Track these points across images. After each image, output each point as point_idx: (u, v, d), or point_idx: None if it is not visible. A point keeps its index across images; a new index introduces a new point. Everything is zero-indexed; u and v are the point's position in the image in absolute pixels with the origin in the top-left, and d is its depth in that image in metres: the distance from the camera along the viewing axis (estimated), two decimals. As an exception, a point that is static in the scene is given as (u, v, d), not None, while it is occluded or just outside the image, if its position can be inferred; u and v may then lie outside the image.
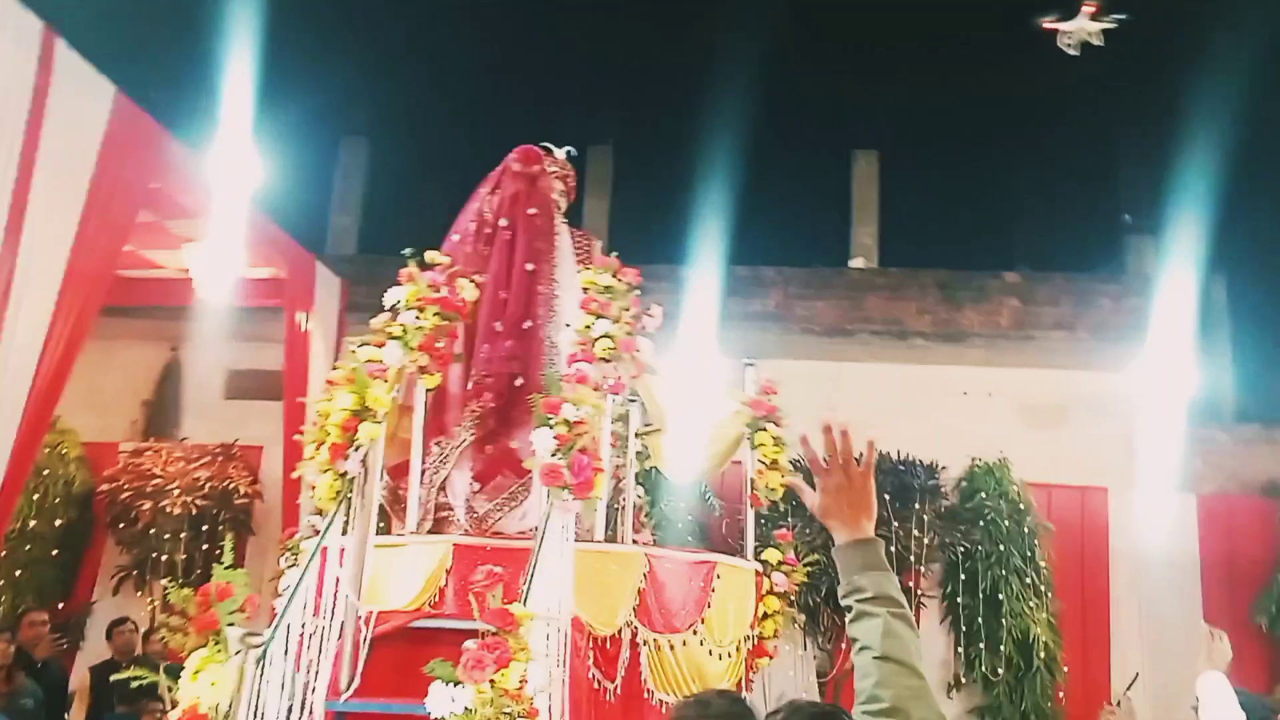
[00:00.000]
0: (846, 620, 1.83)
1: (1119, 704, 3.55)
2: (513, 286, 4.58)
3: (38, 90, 5.32)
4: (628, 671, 4.12)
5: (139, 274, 8.55)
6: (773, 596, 5.01)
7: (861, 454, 2.02)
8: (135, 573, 8.71)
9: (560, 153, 5.44)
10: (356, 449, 3.61)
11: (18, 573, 8.44)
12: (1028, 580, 8.47)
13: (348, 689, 3.66)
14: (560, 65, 10.99)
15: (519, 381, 4.51)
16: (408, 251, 4.12)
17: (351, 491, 3.65)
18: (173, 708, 3.03)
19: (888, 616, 1.78)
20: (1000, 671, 8.31)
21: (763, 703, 8.32)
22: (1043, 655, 8.31)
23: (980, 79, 10.12)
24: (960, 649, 8.54)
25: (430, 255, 4.14)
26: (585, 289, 4.35)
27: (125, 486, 8.66)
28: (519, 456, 4.41)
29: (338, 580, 3.55)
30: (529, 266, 4.65)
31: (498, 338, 4.51)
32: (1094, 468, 9.27)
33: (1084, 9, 8.96)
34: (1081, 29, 8.97)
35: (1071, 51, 9.06)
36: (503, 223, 4.75)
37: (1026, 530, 8.55)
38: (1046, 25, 8.94)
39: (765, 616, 4.97)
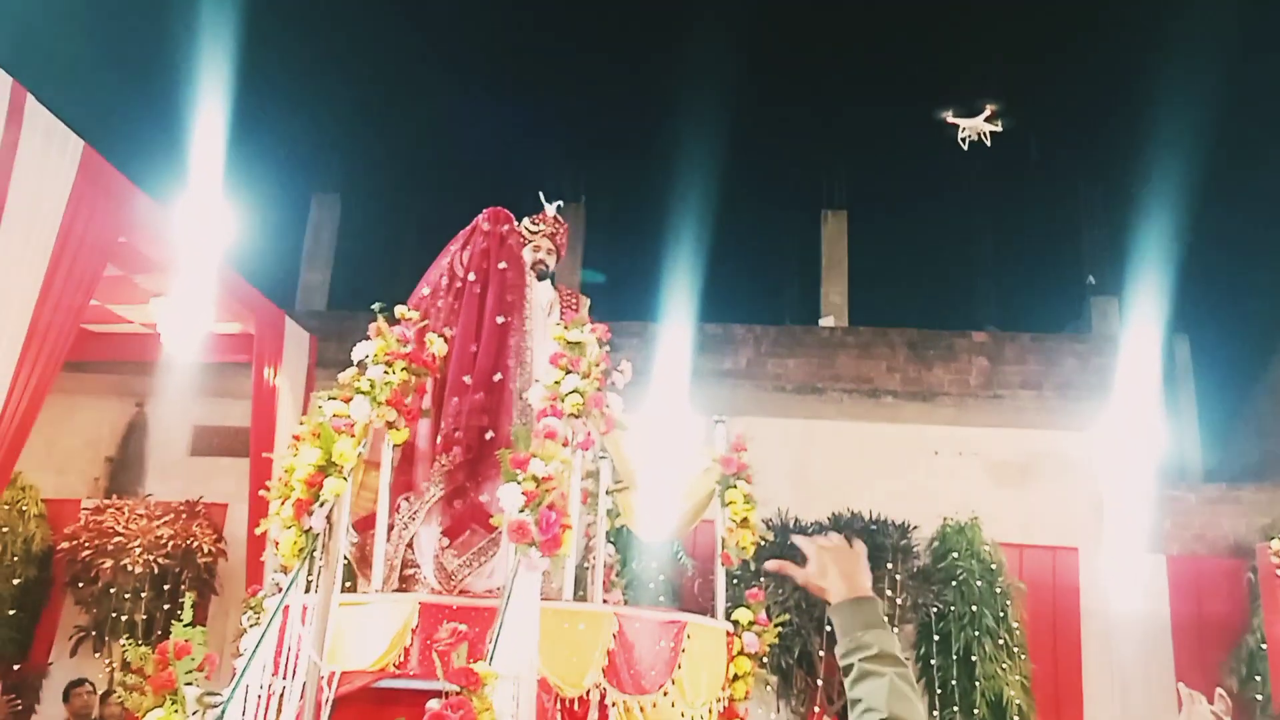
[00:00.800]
0: (847, 681, 1.74)
1: None
2: (483, 339, 4.56)
3: (5, 144, 5.30)
4: (595, 733, 4.04)
5: (105, 328, 8.47)
6: (744, 657, 4.94)
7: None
8: (94, 633, 8.49)
9: (550, 208, 5.48)
10: (321, 504, 3.56)
11: (-28, 633, 8.21)
12: (1000, 641, 8.42)
13: (308, 752, 3.56)
14: (531, 123, 11.12)
15: (489, 435, 4.47)
16: (377, 306, 4.10)
17: (316, 548, 3.59)
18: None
19: (894, 677, 1.70)
20: (974, 734, 8.22)
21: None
22: (1016, 718, 8.23)
23: (948, 141, 10.34)
24: (935, 712, 8.44)
25: (399, 310, 4.13)
26: (557, 342, 4.35)
27: (86, 544, 8.48)
28: (488, 511, 4.36)
29: (299, 639, 3.47)
30: (500, 319, 4.64)
31: (467, 391, 4.48)
32: (1064, 527, 9.30)
33: (983, 113, 9.76)
34: (975, 127, 9.78)
35: (964, 145, 9.86)
36: (471, 277, 4.75)
37: (999, 590, 8.52)
38: (948, 119, 9.71)
39: (736, 678, 4.89)
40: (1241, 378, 11.26)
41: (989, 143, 9.82)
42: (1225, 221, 9.64)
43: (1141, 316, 9.26)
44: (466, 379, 4.47)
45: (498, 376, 4.54)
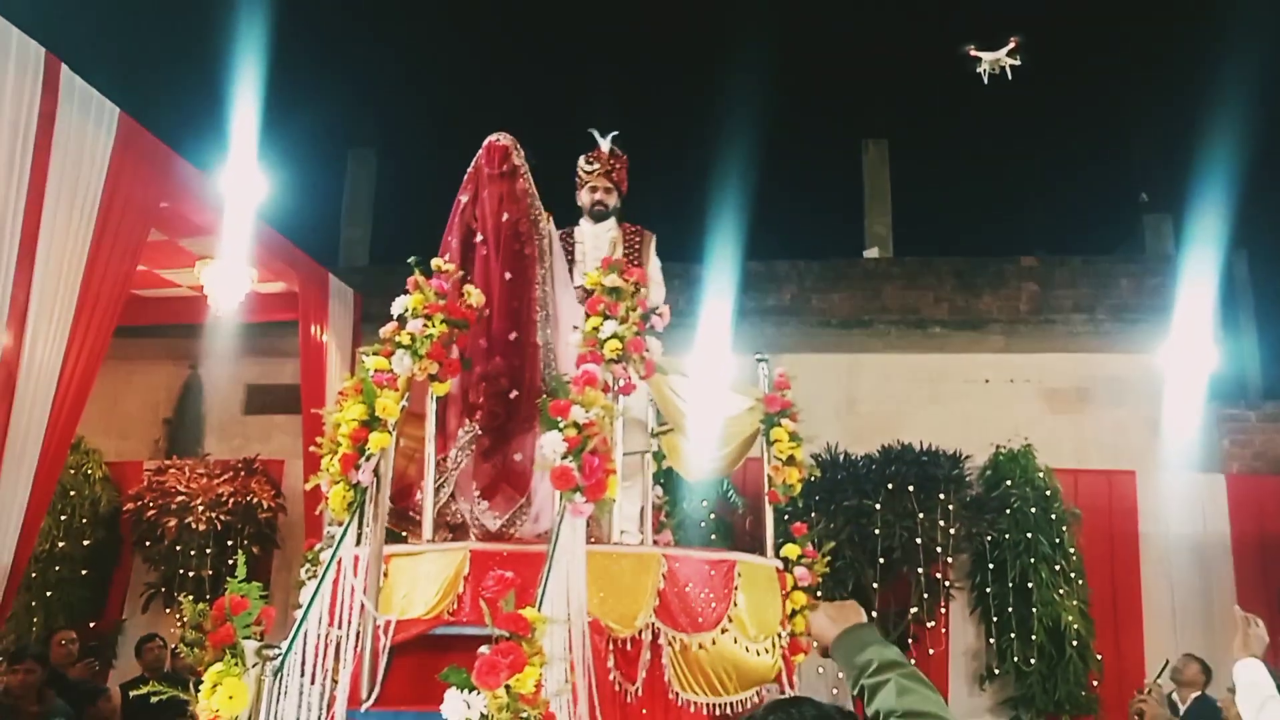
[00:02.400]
0: (865, 707, 1.81)
1: (1150, 691, 3.49)
2: (495, 300, 4.42)
3: (43, 116, 5.36)
4: (649, 673, 4.09)
5: (154, 293, 8.60)
6: (799, 591, 4.97)
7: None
8: (163, 589, 8.77)
9: (605, 142, 5.35)
10: (367, 458, 3.61)
11: (48, 593, 8.51)
12: (1057, 567, 8.37)
13: (368, 698, 3.65)
14: (565, 64, 10.99)
15: (513, 394, 4.41)
16: (413, 260, 4.10)
17: (364, 500, 3.64)
18: (192, 721, 3.04)
19: (897, 677, 1.78)
20: (1033, 661, 8.22)
21: (793, 699, 8.31)
22: (1075, 643, 8.20)
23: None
24: (991, 640, 8.45)
25: (435, 262, 4.13)
26: (590, 290, 4.32)
27: (150, 505, 8.72)
28: (519, 469, 4.37)
29: (353, 590, 3.54)
30: (508, 275, 4.46)
31: (484, 354, 4.44)
32: (1120, 451, 9.18)
33: (1007, 45, 9.59)
34: (997, 60, 9.60)
35: (984, 77, 9.72)
36: (479, 238, 4.56)
37: (1054, 517, 8.45)
38: (971, 52, 9.57)
39: (794, 613, 4.92)
40: (1303, 292, 10.94)
41: (1010, 76, 9.65)
42: (1283, 131, 9.28)
43: (1197, 233, 9.00)
44: (482, 342, 4.41)
45: (514, 335, 4.43)
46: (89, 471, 8.96)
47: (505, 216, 4.59)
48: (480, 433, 4.41)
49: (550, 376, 4.37)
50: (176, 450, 9.70)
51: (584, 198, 5.43)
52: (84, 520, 8.83)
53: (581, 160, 5.44)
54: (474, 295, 4.18)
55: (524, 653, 2.82)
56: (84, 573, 8.81)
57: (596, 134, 5.39)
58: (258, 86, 7.27)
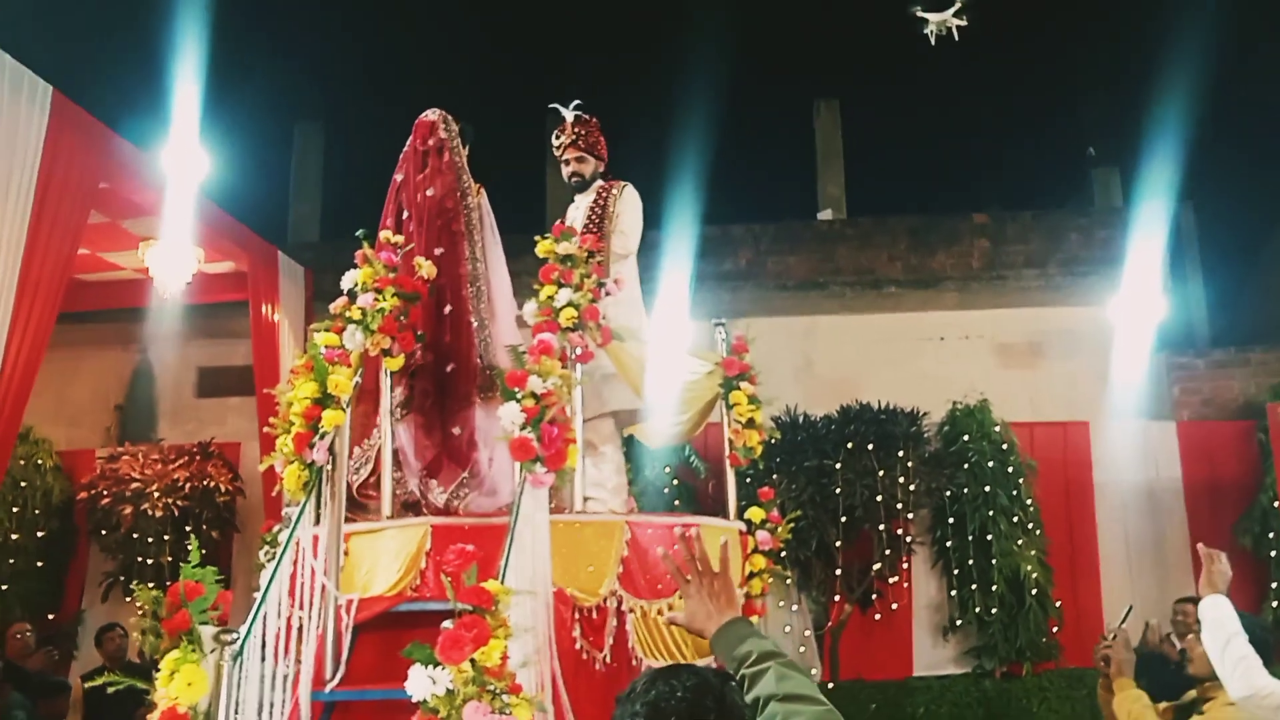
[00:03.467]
0: (746, 695, 1.84)
1: (1114, 637, 3.54)
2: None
3: (-29, 95, 5.19)
4: (616, 640, 4.10)
5: (98, 277, 8.43)
6: (759, 555, 4.99)
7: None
8: (122, 578, 8.62)
9: (568, 113, 5.28)
10: (321, 436, 3.55)
11: (3, 587, 8.35)
12: (1015, 519, 8.50)
13: (332, 678, 3.62)
14: (514, 34, 10.83)
15: (449, 368, 4.41)
16: (360, 233, 4.03)
17: (320, 480, 3.59)
18: (152, 709, 2.99)
19: (775, 666, 1.83)
20: (994, 611, 8.35)
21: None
22: (1034, 592, 8.35)
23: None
24: (953, 592, 8.57)
25: (384, 235, 4.06)
26: (545, 258, 4.27)
27: (104, 493, 8.55)
28: (457, 444, 4.36)
29: (312, 570, 3.50)
30: (438, 251, 4.43)
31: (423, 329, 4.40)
32: (1073, 403, 9.31)
33: (953, 6, 9.73)
34: (943, 20, 9.73)
35: (930, 38, 9.85)
36: (404, 214, 4.54)
37: (1011, 469, 8.56)
38: (918, 13, 9.70)
39: (752, 575, 4.95)
40: (1249, 241, 11.12)
41: (957, 37, 9.72)
42: (1229, 84, 9.38)
43: (1145, 185, 9.10)
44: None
45: (448, 309, 4.41)
46: (40, 461, 8.78)
47: (430, 192, 4.59)
48: (414, 412, 4.39)
49: (486, 351, 4.36)
50: (129, 437, 9.52)
51: (564, 173, 5.41)
52: (37, 511, 8.66)
53: (552, 138, 5.41)
54: (425, 267, 4.12)
55: (488, 626, 2.80)
56: (39, 564, 8.65)
57: (560, 108, 5.34)
58: (198, 60, 7.08)
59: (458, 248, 4.53)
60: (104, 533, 8.61)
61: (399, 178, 4.64)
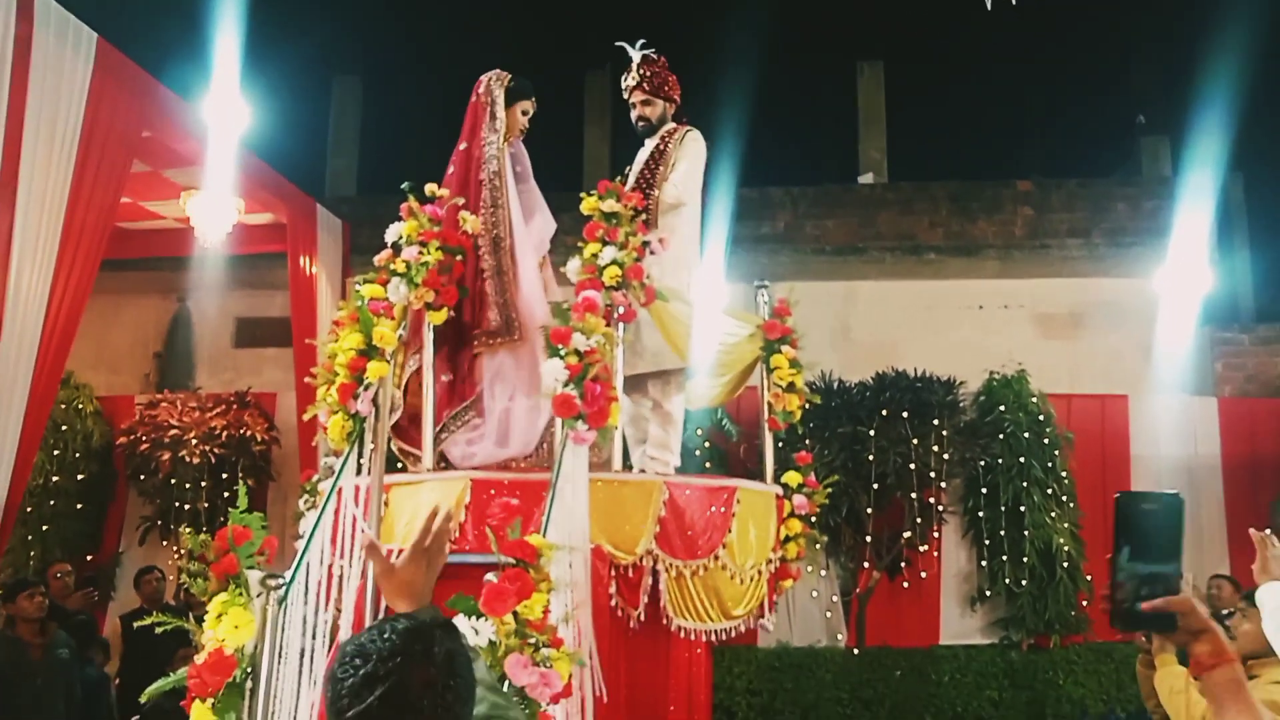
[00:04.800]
0: None
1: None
2: (446, 224, 4.32)
3: (19, 43, 5.21)
4: (650, 599, 4.12)
5: (140, 226, 8.50)
6: (794, 519, 4.98)
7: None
8: (159, 522, 8.78)
9: (634, 53, 5.14)
10: (366, 388, 3.57)
11: (44, 527, 8.52)
12: (1049, 491, 8.45)
13: (372, 627, 3.66)
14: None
15: (450, 315, 4.44)
16: (406, 185, 4.02)
17: (363, 430, 3.61)
18: (198, 651, 3.04)
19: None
20: (1024, 582, 8.32)
21: (788, 622, 8.43)
22: (1065, 565, 8.31)
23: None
24: (983, 562, 8.55)
25: (430, 188, 4.04)
26: (590, 215, 4.24)
27: (143, 439, 8.69)
28: (451, 389, 4.40)
29: (354, 519, 3.53)
30: (460, 201, 4.39)
31: None
32: (1113, 375, 9.21)
33: None
34: None
35: (989, 4, 9.51)
36: (451, 169, 4.58)
37: (1047, 441, 8.50)
38: None
39: (787, 539, 4.94)
40: (1299, 214, 10.87)
41: (1014, 1, 9.47)
42: (1283, 50, 9.12)
43: (1194, 155, 8.90)
44: None
45: (458, 257, 4.41)
46: (80, 406, 8.92)
47: (463, 145, 4.63)
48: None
49: (502, 298, 4.35)
50: (167, 384, 9.65)
51: (631, 117, 5.26)
52: (77, 455, 8.81)
53: (621, 81, 5.28)
54: (470, 222, 4.10)
55: (531, 579, 2.82)
56: (79, 506, 8.82)
57: (626, 46, 5.20)
58: (239, 11, 7.06)
59: (477, 197, 4.55)
60: (142, 477, 8.75)
61: (460, 137, 4.71)
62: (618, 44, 5.16)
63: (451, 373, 4.50)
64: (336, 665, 1.50)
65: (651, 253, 4.34)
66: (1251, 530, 3.21)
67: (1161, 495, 1.84)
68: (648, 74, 5.15)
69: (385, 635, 1.50)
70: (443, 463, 4.39)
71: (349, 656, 1.49)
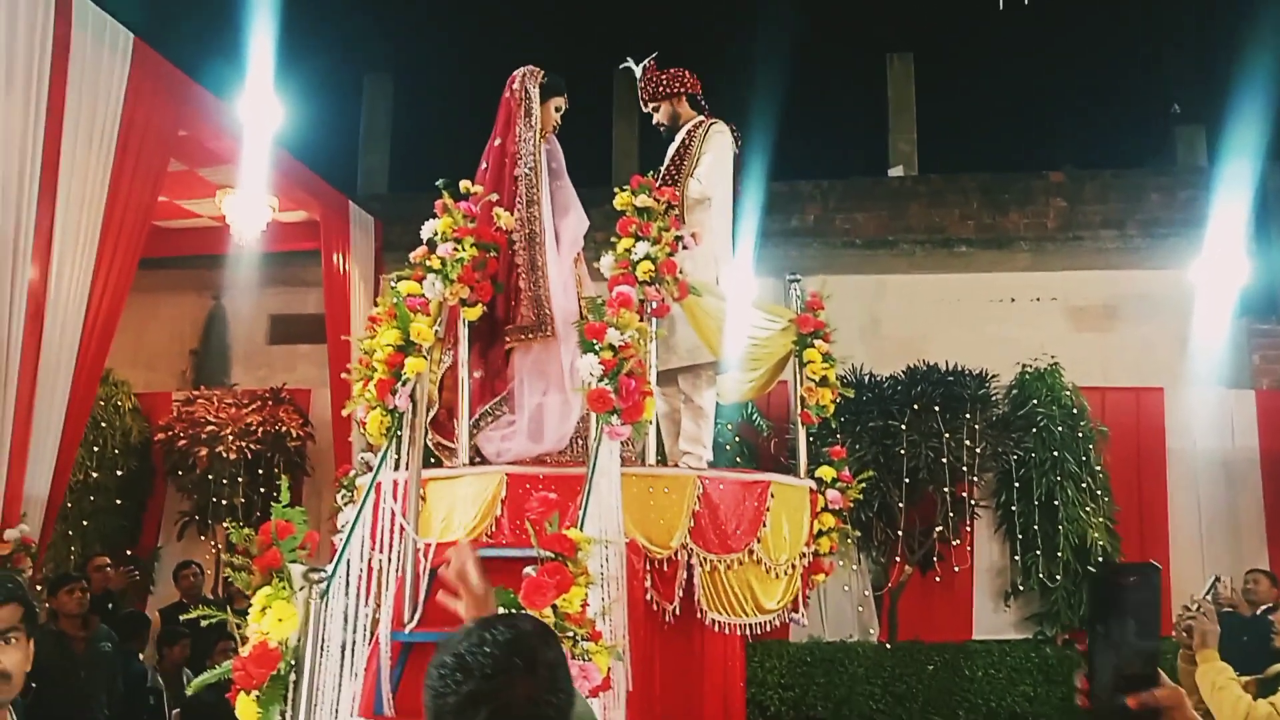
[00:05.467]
0: None
1: (1199, 608, 3.43)
2: (480, 220, 4.37)
3: (58, 42, 5.29)
4: (685, 593, 4.14)
5: (176, 224, 8.61)
6: (828, 513, 4.98)
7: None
8: (196, 518, 8.90)
9: (636, 68, 5.31)
10: (404, 383, 3.61)
11: (84, 523, 8.64)
12: (1083, 485, 8.38)
13: (410, 620, 3.71)
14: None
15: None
16: (441, 182, 4.05)
17: (401, 425, 3.65)
18: (242, 644, 3.09)
19: None
20: (1058, 577, 8.27)
21: (820, 616, 8.42)
22: (1101, 559, 8.24)
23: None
24: (1016, 557, 8.49)
25: (464, 185, 4.07)
26: (623, 210, 4.26)
27: (180, 435, 8.80)
28: (483, 384, 4.43)
29: (393, 514, 3.57)
30: (493, 197, 4.44)
31: None
32: (1148, 368, 9.11)
33: None
34: None
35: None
36: (484, 165, 4.64)
37: (1081, 435, 8.43)
38: None
39: (821, 534, 4.95)
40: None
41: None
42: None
43: (1230, 145, 8.78)
44: None
45: (491, 253, 4.42)
46: (119, 403, 9.04)
47: (497, 142, 4.68)
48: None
49: (536, 293, 4.38)
50: (203, 381, 9.77)
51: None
52: (116, 451, 8.93)
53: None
54: (504, 218, 4.13)
55: (570, 573, 2.84)
56: (118, 502, 8.94)
57: (631, 66, 5.33)
58: (272, 11, 7.13)
59: (513, 193, 4.59)
60: (180, 473, 8.87)
61: (492, 133, 4.76)
62: (623, 66, 5.27)
63: (484, 368, 4.54)
64: (436, 678, 1.45)
65: (684, 248, 4.35)
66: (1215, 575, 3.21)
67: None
68: (644, 84, 5.30)
69: (486, 649, 1.45)
70: (477, 457, 4.43)
71: (449, 670, 1.44)
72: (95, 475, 8.73)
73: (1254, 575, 6.84)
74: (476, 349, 4.53)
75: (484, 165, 4.62)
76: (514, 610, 2.91)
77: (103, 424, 8.79)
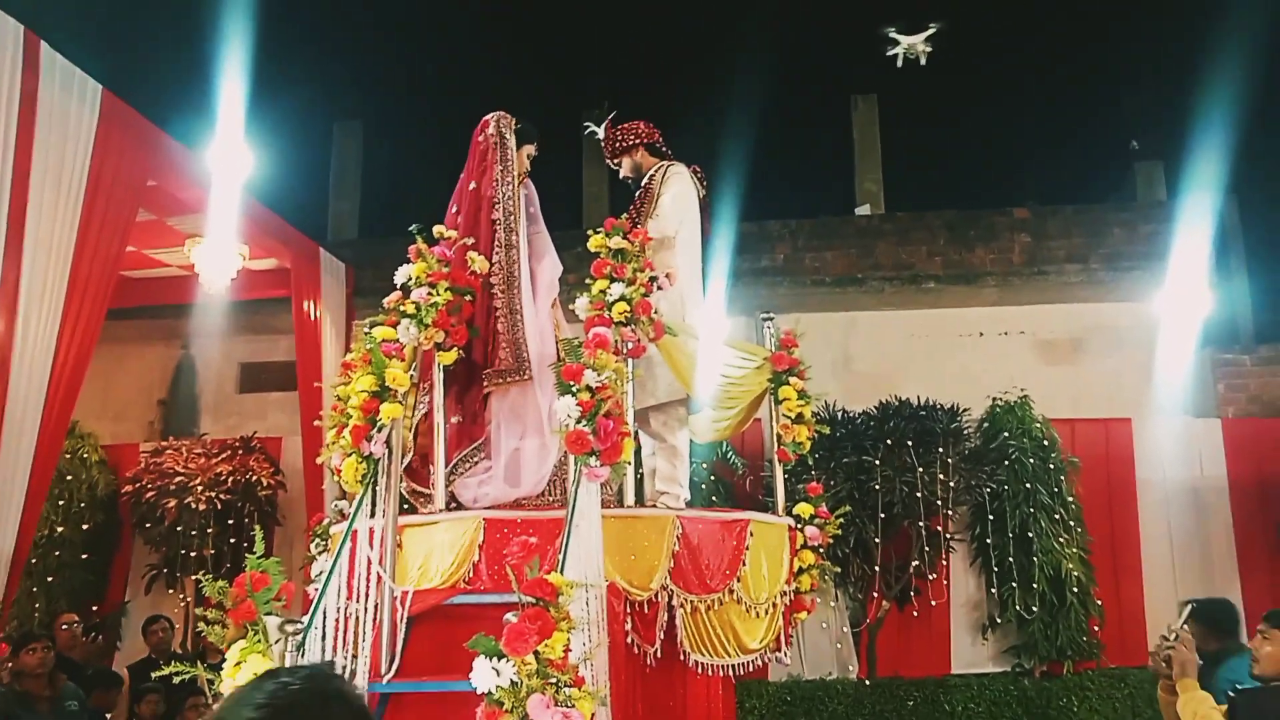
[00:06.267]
0: None
1: (1175, 637, 3.43)
2: (455, 264, 4.37)
3: (25, 95, 5.28)
4: (666, 635, 4.11)
5: (144, 274, 8.53)
6: (807, 550, 4.98)
7: None
8: (165, 570, 8.74)
9: (598, 130, 5.47)
10: (379, 430, 3.58)
11: (49, 579, 8.47)
12: (1056, 516, 8.43)
13: (388, 670, 3.65)
14: (551, 32, 10.84)
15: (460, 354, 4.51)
16: (414, 227, 4.05)
17: (377, 472, 3.62)
18: (215, 700, 3.02)
19: None
20: (1034, 609, 8.28)
21: (799, 654, 8.37)
22: (1075, 590, 8.27)
23: (976, 10, 9.98)
24: (992, 590, 8.51)
25: (438, 230, 4.08)
26: (597, 252, 4.28)
27: (148, 486, 8.66)
28: (460, 430, 4.43)
29: (369, 562, 3.52)
30: (469, 240, 4.47)
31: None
32: (1116, 399, 9.23)
33: (925, 32, 10.26)
34: (913, 44, 10.00)
35: (897, 60, 10.13)
36: (454, 209, 4.69)
37: (1052, 466, 8.49)
38: (891, 34, 10.04)
39: (801, 571, 4.94)
40: (1294, 234, 10.95)
41: (924, 61, 9.89)
42: (1275, 75, 9.23)
43: (1188, 179, 8.99)
44: None
45: (468, 297, 4.44)
46: (85, 455, 8.91)
47: (473, 186, 4.71)
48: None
49: (514, 337, 4.40)
50: (172, 431, 9.65)
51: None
52: (82, 504, 8.79)
53: None
54: (478, 262, 4.14)
55: (552, 618, 2.81)
56: (84, 556, 8.78)
57: (593, 125, 5.48)
58: (241, 60, 7.15)
59: (490, 237, 4.60)
60: (148, 525, 8.71)
61: (462, 176, 4.79)
62: (587, 130, 5.43)
63: (461, 413, 4.53)
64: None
65: (659, 288, 4.37)
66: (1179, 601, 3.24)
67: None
68: (605, 140, 5.43)
69: (292, 686, 1.42)
70: (453, 504, 4.40)
71: (263, 702, 1.40)
72: (61, 530, 8.58)
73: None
74: (453, 394, 4.52)
75: (454, 208, 4.64)
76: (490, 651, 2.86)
77: (68, 477, 8.66)
